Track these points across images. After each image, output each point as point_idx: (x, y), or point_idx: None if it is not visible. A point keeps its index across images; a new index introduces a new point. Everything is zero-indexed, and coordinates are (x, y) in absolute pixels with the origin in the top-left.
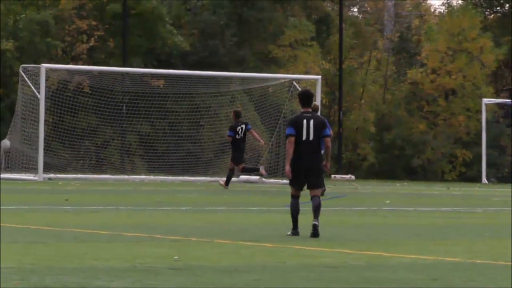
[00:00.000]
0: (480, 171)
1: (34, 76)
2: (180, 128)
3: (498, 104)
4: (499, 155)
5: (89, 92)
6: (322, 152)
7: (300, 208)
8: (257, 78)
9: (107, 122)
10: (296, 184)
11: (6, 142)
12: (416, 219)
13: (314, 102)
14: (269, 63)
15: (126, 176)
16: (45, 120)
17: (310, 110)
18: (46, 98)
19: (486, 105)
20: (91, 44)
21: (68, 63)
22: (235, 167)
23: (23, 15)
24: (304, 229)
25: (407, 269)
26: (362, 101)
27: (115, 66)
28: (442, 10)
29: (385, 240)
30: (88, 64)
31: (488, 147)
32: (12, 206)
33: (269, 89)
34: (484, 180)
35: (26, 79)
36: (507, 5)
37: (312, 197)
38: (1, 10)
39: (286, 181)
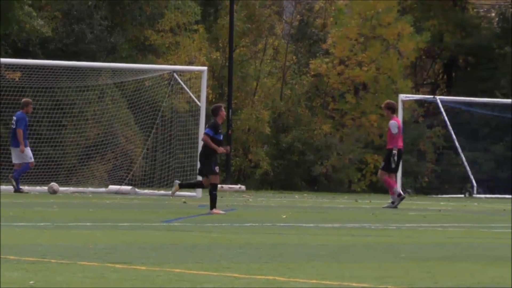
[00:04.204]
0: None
1: None
2: (39, 129)
3: (417, 101)
4: (417, 162)
5: None
6: None
7: None
8: (131, 70)
9: None
10: None
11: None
12: (318, 237)
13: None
14: (146, 51)
15: None
16: None
17: None
18: None
19: (404, 102)
20: None
21: None
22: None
23: None
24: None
25: None
26: (256, 97)
27: None
28: None
29: (280, 262)
30: None
31: (404, 152)
32: None
33: (146, 82)
34: (400, 191)
35: None
36: None
37: None
38: None
39: (163, 192)
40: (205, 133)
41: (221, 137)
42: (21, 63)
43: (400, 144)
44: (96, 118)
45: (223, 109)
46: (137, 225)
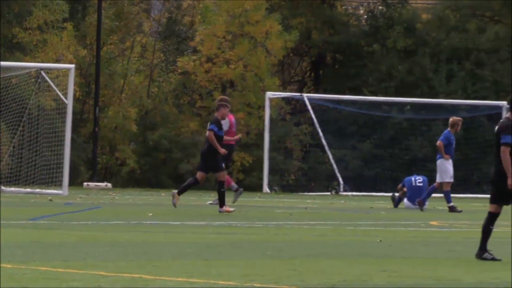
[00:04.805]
0: (261, 178)
1: None
2: None
3: (284, 99)
4: (284, 160)
5: None
6: None
7: None
8: None
9: None
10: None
11: None
12: (184, 235)
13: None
14: (13, 49)
15: None
16: None
17: None
18: None
19: (271, 99)
20: None
21: None
22: None
23: None
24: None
25: None
26: (123, 94)
27: None
28: None
29: (147, 260)
30: None
31: (271, 149)
32: None
33: (13, 80)
34: (266, 188)
35: None
36: None
37: None
38: None
39: (29, 189)
40: (210, 129)
41: (223, 133)
42: None
43: (233, 141)
44: None
45: (226, 106)
46: (3, 223)
